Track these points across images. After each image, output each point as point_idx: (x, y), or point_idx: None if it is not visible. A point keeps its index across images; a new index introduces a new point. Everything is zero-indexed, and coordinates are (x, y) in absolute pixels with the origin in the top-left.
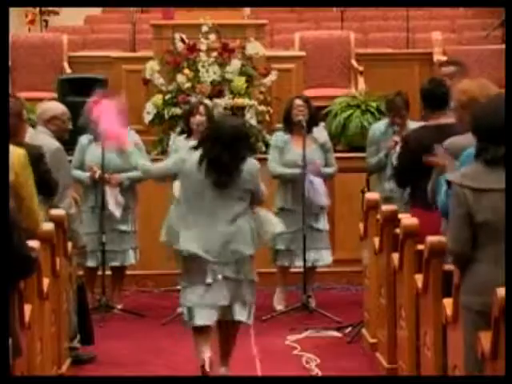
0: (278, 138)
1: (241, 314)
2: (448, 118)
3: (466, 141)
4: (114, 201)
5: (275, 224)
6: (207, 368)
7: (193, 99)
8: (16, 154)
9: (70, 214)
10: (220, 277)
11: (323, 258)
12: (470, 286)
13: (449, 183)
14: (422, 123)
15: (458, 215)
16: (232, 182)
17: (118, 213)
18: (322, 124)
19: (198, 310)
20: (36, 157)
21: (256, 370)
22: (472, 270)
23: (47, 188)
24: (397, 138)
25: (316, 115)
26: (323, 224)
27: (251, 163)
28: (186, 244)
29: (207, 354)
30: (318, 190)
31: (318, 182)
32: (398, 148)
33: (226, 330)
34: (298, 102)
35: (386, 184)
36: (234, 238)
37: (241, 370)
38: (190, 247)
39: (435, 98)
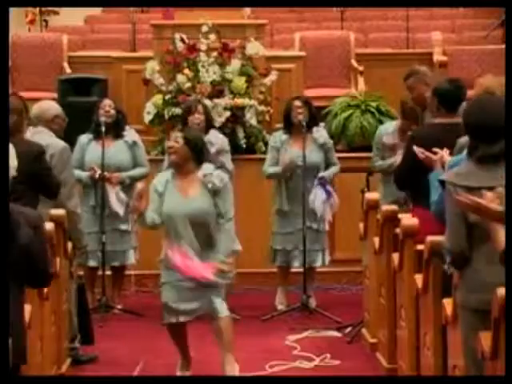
0: (276, 138)
1: None
2: (456, 118)
3: None
4: (115, 199)
5: None
6: None
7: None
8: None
9: (77, 214)
10: None
11: (320, 259)
12: (466, 285)
13: (442, 183)
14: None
15: (455, 214)
16: None
17: (121, 211)
18: (322, 124)
19: None
20: (37, 154)
21: (256, 370)
22: (467, 270)
23: (46, 187)
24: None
25: (316, 116)
26: (322, 225)
27: None
28: None
29: None
30: (323, 201)
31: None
32: None
33: None
34: (297, 103)
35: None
36: None
37: (240, 370)
38: None
39: (454, 98)
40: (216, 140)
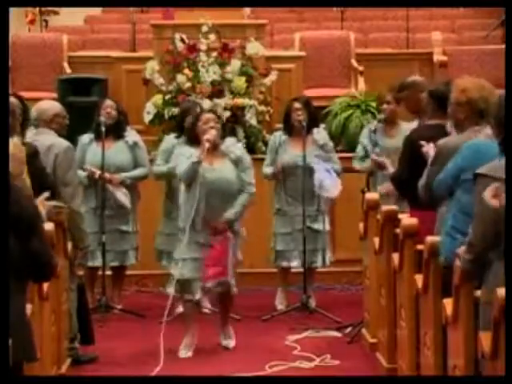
0: (276, 138)
1: None
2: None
3: (454, 141)
4: (121, 193)
5: None
6: None
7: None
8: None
9: (81, 214)
10: None
11: (320, 259)
12: (494, 283)
13: (475, 176)
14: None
15: (491, 210)
16: None
17: (127, 202)
18: (322, 126)
19: None
20: (30, 154)
21: (256, 370)
22: (496, 267)
23: (42, 187)
24: (375, 157)
25: (316, 117)
26: (322, 225)
27: None
28: None
29: None
30: (328, 182)
31: (331, 176)
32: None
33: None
34: (296, 105)
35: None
36: None
37: (240, 370)
38: None
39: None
40: None
